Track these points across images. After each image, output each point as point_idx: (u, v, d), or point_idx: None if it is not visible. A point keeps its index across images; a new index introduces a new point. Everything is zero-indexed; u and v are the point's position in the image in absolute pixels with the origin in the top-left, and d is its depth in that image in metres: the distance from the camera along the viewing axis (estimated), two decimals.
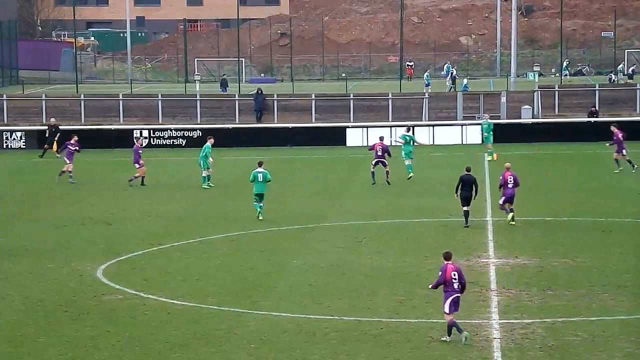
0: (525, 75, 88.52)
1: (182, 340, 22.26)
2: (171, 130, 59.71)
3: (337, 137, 59.60)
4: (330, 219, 36.22)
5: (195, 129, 59.79)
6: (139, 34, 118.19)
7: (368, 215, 36.54)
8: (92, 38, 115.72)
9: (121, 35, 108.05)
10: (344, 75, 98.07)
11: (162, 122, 63.12)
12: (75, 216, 37.31)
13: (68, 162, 45.14)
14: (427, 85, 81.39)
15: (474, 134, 59.31)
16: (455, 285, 21.54)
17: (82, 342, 22.27)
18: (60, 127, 55.23)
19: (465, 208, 34.04)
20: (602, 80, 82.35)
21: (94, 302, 25.53)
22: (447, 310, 21.53)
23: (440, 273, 21.74)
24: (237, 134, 59.39)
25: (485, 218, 36.15)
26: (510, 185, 34.85)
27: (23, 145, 58.62)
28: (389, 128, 60.25)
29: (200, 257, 30.73)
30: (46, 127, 55.96)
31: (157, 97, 66.72)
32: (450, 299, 21.52)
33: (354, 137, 59.80)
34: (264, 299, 25.65)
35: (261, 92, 65.92)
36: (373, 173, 43.67)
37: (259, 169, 35.68)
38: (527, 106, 63.91)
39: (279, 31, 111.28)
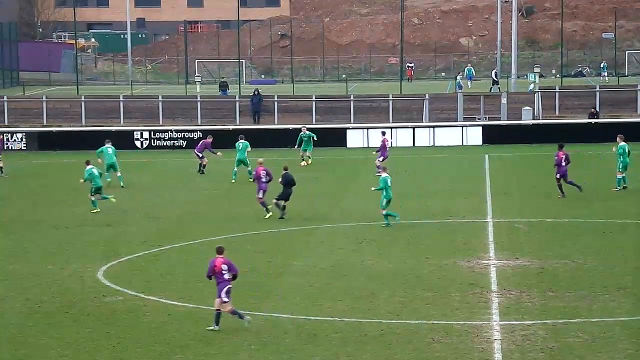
0: (526, 77, 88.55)
1: (183, 342, 22.27)
2: (172, 131, 59.71)
3: (337, 138, 59.58)
4: (330, 221, 36.21)
5: (196, 130, 59.79)
6: (140, 35, 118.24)
7: (369, 216, 36.53)
8: (93, 39, 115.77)
9: (122, 36, 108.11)
10: (344, 76, 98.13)
11: (163, 124, 63.13)
12: (76, 218, 37.31)
13: None
14: (470, 78, 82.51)
15: (474, 135, 59.32)
16: (226, 276, 22.86)
17: (83, 343, 22.27)
18: None
19: (283, 203, 35.63)
20: (601, 82, 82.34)
21: (95, 303, 25.53)
22: (226, 298, 22.80)
23: (209, 266, 23.07)
24: (237, 135, 59.33)
25: (486, 219, 36.16)
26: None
27: (23, 146, 58.63)
28: (390, 129, 60.27)
29: (201, 258, 30.69)
30: None
31: (158, 98, 66.73)
32: (225, 288, 22.80)
33: (355, 138, 59.80)
34: (265, 300, 25.65)
35: (258, 93, 65.87)
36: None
37: (385, 174, 34.99)
38: (527, 107, 63.93)
39: (279, 32, 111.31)
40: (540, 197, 40.64)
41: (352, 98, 66.14)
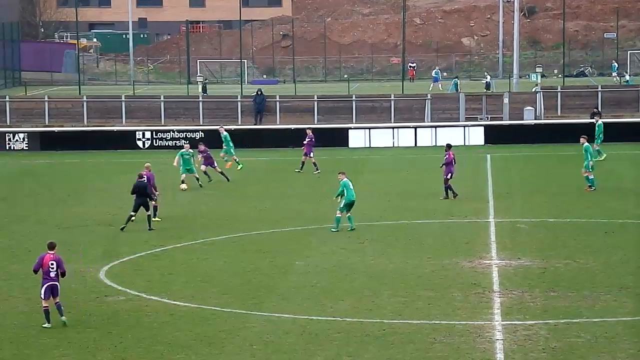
0: (527, 77, 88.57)
1: (185, 342, 22.27)
2: (174, 131, 59.70)
3: (339, 138, 59.57)
4: (332, 221, 36.16)
5: (198, 130, 59.78)
6: (142, 35, 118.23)
7: (370, 217, 36.53)
8: (95, 39, 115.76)
9: (124, 36, 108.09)
10: (346, 76, 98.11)
11: (165, 124, 63.12)
12: (78, 218, 37.30)
13: None
14: (436, 80, 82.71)
15: (476, 135, 59.31)
16: (52, 274, 23.20)
17: (85, 343, 22.28)
18: None
19: (134, 214, 34.57)
20: (604, 82, 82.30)
21: (97, 303, 25.54)
22: (43, 296, 23.17)
23: (37, 260, 23.41)
24: (239, 135, 59.37)
25: (488, 219, 36.15)
26: None
27: (26, 146, 58.64)
28: (392, 129, 60.28)
29: (203, 258, 30.74)
30: None
31: (160, 98, 66.74)
32: (46, 285, 23.16)
33: (357, 138, 59.80)
34: (267, 300, 25.66)
35: (261, 92, 65.87)
36: None
37: (345, 178, 34.46)
38: (529, 107, 63.91)
39: (281, 32, 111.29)
40: (542, 197, 40.63)
41: (354, 98, 66.13)
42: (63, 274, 23.56)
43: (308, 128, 51.33)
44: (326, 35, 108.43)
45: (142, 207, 34.36)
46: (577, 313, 23.86)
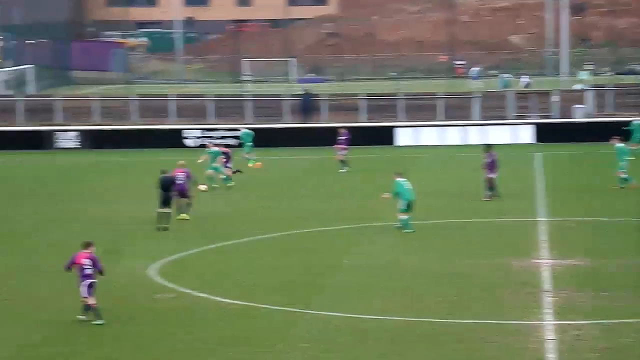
0: (576, 74, 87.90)
1: (235, 339, 22.36)
2: (222, 130, 59.92)
3: (385, 136, 59.49)
4: (381, 219, 36.15)
5: (246, 129, 59.94)
6: (189, 35, 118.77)
7: (419, 215, 36.41)
8: (144, 39, 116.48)
9: (172, 35, 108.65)
10: (393, 74, 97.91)
11: (213, 122, 63.37)
12: (127, 215, 37.54)
13: None
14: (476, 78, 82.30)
15: (525, 134, 58.96)
16: (88, 271, 23.43)
17: (136, 340, 22.45)
18: None
19: (163, 210, 34.36)
20: None
21: (148, 300, 25.71)
22: (86, 294, 23.36)
23: (70, 257, 23.78)
24: (285, 133, 59.47)
25: (538, 218, 35.93)
26: None
27: (75, 145, 59.10)
28: (439, 127, 60.08)
29: (251, 256, 30.84)
30: None
31: (208, 97, 67.01)
32: (86, 283, 23.41)
33: (403, 136, 59.68)
34: (316, 298, 25.69)
35: (308, 92, 65.91)
36: None
37: (400, 178, 34.03)
38: (578, 105, 63.40)
39: (327, 31, 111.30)
40: (594, 196, 40.30)
41: (400, 96, 65.98)
42: (101, 272, 23.82)
43: (342, 127, 51.30)
44: (373, 33, 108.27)
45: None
46: (628, 313, 23.65)
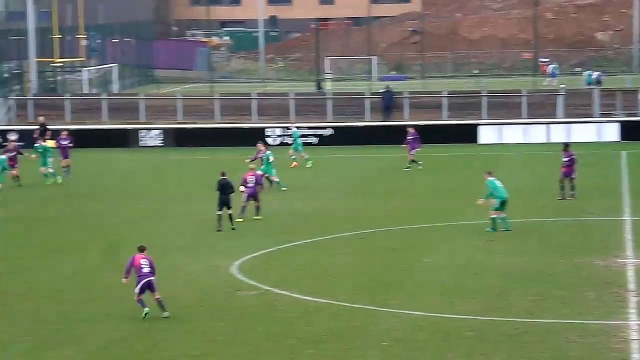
0: None
1: (316, 337, 22.37)
2: (303, 128, 60.03)
3: (468, 134, 59.06)
4: (462, 218, 35.90)
5: (327, 127, 60.04)
6: (272, 33, 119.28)
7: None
8: (226, 38, 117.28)
9: (254, 34, 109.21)
10: (475, 71, 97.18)
11: (294, 121, 63.52)
12: (209, 212, 37.72)
13: (62, 157, 46.57)
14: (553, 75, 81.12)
15: (611, 131, 58.08)
16: (146, 270, 24.14)
17: (217, 337, 22.58)
18: (48, 125, 55.42)
19: (220, 212, 34.01)
20: None
21: (229, 297, 25.85)
22: (138, 292, 23.95)
23: (128, 261, 24.51)
24: (367, 132, 59.38)
25: (623, 217, 35.35)
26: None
27: (159, 143, 59.71)
28: (523, 125, 59.47)
29: (332, 254, 30.84)
30: (37, 126, 56.09)
31: (289, 95, 67.21)
32: (143, 282, 24.01)
33: (487, 134, 59.19)
34: (396, 297, 25.59)
35: (390, 89, 65.75)
36: None
37: (491, 177, 33.67)
38: None
39: (410, 28, 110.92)
40: None
41: (484, 94, 65.46)
42: (153, 273, 24.35)
43: (409, 126, 51.04)
44: (456, 31, 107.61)
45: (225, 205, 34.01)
46: None
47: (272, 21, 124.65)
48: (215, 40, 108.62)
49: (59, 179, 45.10)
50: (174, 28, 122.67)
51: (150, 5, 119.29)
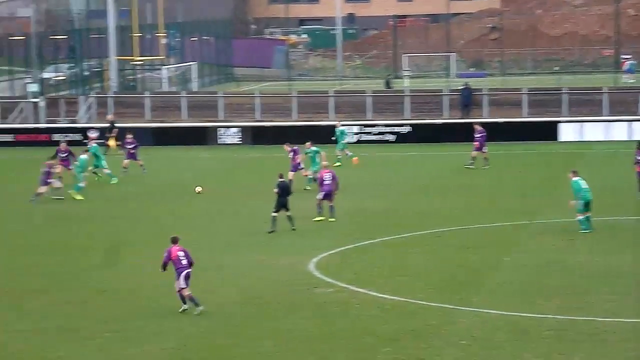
0: None
1: (393, 335, 22.26)
2: (380, 126, 59.91)
3: (548, 132, 58.41)
4: (542, 216, 35.47)
5: (405, 125, 59.82)
6: (349, 31, 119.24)
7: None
8: (304, 35, 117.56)
9: (332, 32, 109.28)
10: (556, 68, 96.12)
11: (371, 118, 63.42)
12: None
13: (127, 159, 46.88)
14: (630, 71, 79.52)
15: None
16: (184, 262, 24.24)
17: (295, 333, 22.59)
18: (116, 123, 55.66)
19: (276, 214, 33.51)
20: None
21: (307, 295, 25.85)
22: (182, 285, 24.15)
23: (165, 254, 24.38)
24: (445, 129, 59.03)
25: None
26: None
27: (238, 140, 60.00)
28: (604, 123, 58.65)
29: (409, 252, 30.68)
30: (107, 124, 56.40)
31: (367, 93, 67.09)
32: (183, 273, 24.14)
33: (567, 132, 58.49)
34: (474, 295, 25.37)
35: (468, 86, 65.28)
36: None
37: (576, 177, 33.08)
38: None
39: (489, 25, 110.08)
40: None
41: (564, 91, 64.68)
42: (191, 264, 24.42)
43: (476, 123, 50.52)
44: (536, 27, 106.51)
45: (283, 207, 33.67)
46: None
47: (350, 18, 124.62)
48: (293, 38, 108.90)
49: (115, 180, 44.85)
50: (253, 26, 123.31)
51: (229, 4, 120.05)
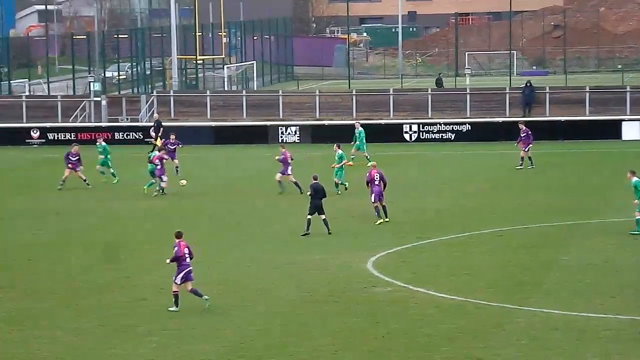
0: None
1: (450, 334, 22.17)
2: (440, 124, 59.66)
3: (611, 130, 57.75)
4: (602, 215, 35.09)
5: (465, 123, 59.51)
6: (411, 29, 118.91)
7: None
8: (365, 34, 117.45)
9: (393, 30, 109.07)
10: (619, 66, 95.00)
11: (432, 116, 63.20)
12: (345, 209, 37.76)
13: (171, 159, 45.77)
14: None
15: None
16: (188, 260, 24.24)
17: (352, 332, 22.57)
18: (162, 122, 55.57)
19: (310, 216, 32.90)
20: None
21: (363, 293, 25.83)
22: (179, 281, 24.15)
23: (175, 249, 24.29)
24: (506, 127, 58.58)
25: None
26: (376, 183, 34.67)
27: (297, 139, 60.10)
28: None
29: (468, 251, 30.52)
30: (153, 123, 56.37)
31: (427, 91, 66.86)
32: (184, 271, 24.17)
33: (631, 130, 57.77)
34: (533, 295, 25.19)
35: (530, 84, 64.78)
36: None
37: (636, 178, 32.24)
38: None
39: (552, 23, 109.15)
40: None
41: (628, 89, 63.91)
42: (191, 258, 24.62)
43: (520, 122, 49.91)
44: (599, 25, 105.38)
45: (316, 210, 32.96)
46: None
47: (411, 17, 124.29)
48: (354, 36, 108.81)
49: (116, 180, 44.16)
50: (313, 25, 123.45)
51: (290, 3, 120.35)
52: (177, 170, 46.26)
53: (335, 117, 64.46)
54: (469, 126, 58.72)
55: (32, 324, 23.64)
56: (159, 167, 40.84)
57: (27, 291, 26.64)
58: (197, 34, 76.12)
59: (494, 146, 55.09)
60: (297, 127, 60.42)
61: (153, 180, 41.39)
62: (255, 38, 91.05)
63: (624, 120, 58.83)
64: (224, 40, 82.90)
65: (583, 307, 23.80)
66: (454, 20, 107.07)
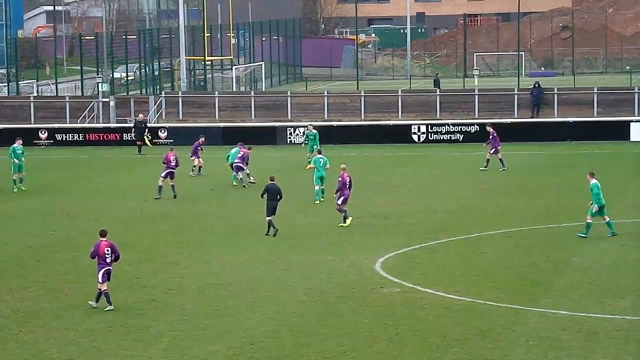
0: None
1: (460, 335, 22.15)
2: (449, 125, 59.63)
3: (620, 131, 57.70)
4: (612, 216, 34.97)
5: (473, 124, 59.47)
6: (419, 30, 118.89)
7: None
8: (373, 35, 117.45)
9: (401, 31, 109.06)
10: (628, 68, 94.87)
11: (440, 117, 63.17)
12: (354, 209, 37.78)
13: (193, 157, 46.93)
14: None
15: None
16: (108, 260, 24.44)
17: (361, 333, 22.56)
18: (147, 123, 55.73)
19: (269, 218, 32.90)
20: None
21: (373, 294, 25.82)
22: (100, 280, 24.43)
23: (93, 248, 24.60)
24: (514, 128, 58.57)
25: None
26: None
27: (306, 141, 60.05)
28: None
29: (477, 252, 30.50)
30: (133, 124, 56.63)
31: (435, 92, 66.82)
32: (103, 270, 24.40)
33: (638, 131, 57.69)
34: (543, 296, 25.16)
35: (538, 85, 64.72)
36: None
37: (594, 180, 32.55)
38: None
39: (560, 24, 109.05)
40: None
41: (636, 90, 63.84)
42: (117, 258, 24.85)
43: (488, 125, 50.04)
44: (607, 27, 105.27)
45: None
46: None
47: (420, 18, 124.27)
48: (362, 37, 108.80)
49: (21, 188, 43.27)
50: (322, 26, 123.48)
51: (298, 4, 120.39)
52: (199, 170, 47.05)
53: (344, 117, 64.47)
54: (477, 127, 58.67)
55: (42, 325, 23.68)
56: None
57: (37, 292, 26.69)
58: (206, 34, 76.15)
59: (502, 147, 54.93)
60: (304, 128, 60.39)
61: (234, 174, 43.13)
62: (263, 39, 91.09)
63: (632, 121, 58.77)
64: (233, 41, 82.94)
65: (593, 308, 23.77)
66: (462, 22, 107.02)
